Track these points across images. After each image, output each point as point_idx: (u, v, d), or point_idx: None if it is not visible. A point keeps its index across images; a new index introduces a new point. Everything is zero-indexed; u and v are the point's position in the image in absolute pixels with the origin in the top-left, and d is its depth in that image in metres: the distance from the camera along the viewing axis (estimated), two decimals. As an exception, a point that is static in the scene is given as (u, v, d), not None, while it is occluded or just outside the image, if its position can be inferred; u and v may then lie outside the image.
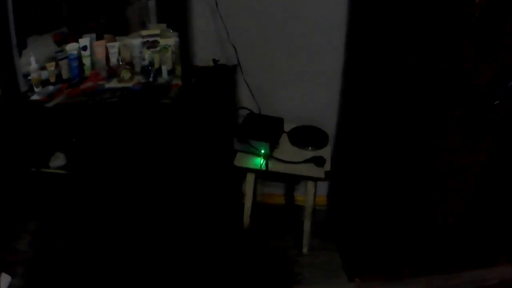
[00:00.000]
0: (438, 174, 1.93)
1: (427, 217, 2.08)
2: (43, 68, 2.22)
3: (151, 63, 2.17)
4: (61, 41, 2.30)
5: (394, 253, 2.17)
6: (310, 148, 2.21)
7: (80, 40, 2.24)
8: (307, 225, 2.28)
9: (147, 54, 2.17)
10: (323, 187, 2.61)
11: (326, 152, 2.20)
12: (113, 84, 2.19)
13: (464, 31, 1.60)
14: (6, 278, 2.19)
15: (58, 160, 2.24)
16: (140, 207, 2.23)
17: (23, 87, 2.21)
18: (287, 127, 2.33)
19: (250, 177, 2.18)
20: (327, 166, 2.13)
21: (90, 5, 2.34)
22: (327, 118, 2.38)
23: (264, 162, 2.10)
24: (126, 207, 2.24)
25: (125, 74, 2.18)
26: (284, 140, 2.27)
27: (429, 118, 1.79)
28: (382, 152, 1.94)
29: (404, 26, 1.67)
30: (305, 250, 2.36)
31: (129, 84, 2.17)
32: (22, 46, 2.23)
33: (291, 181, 2.63)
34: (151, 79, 2.16)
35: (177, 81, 2.15)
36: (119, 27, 2.31)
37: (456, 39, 1.62)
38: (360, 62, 2.10)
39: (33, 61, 2.16)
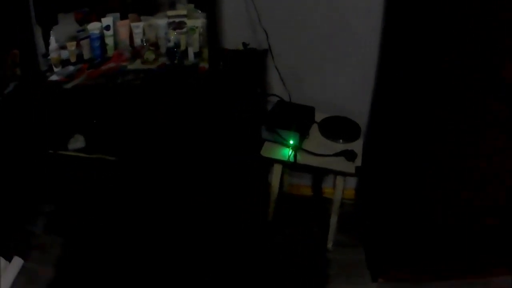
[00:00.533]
0: (477, 173, 1.81)
1: (461, 216, 1.95)
2: (63, 47, 2.14)
3: (177, 45, 2.07)
4: (83, 20, 2.21)
5: (422, 254, 2.06)
6: (341, 140, 2.10)
7: (103, 19, 2.15)
8: (333, 221, 2.17)
9: (173, 35, 2.07)
10: (352, 179, 2.49)
11: (357, 146, 2.08)
12: (136, 65, 2.11)
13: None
14: (18, 262, 2.14)
15: (77, 143, 2.18)
16: (162, 191, 2.14)
17: (43, 67, 2.14)
18: (318, 116, 2.21)
19: (277, 168, 2.08)
20: (358, 161, 2.01)
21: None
22: (360, 109, 2.26)
23: (293, 153, 1.99)
24: (147, 190, 2.16)
25: (149, 56, 2.09)
26: (315, 130, 2.16)
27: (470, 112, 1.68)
28: (415, 147, 1.82)
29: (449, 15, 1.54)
30: (329, 245, 2.26)
31: (153, 66, 2.08)
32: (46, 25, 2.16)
33: (320, 173, 2.51)
34: (176, 61, 2.06)
35: (204, 64, 2.05)
36: (145, 7, 2.21)
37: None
38: (397, 51, 1.97)
39: (52, 41, 2.10)
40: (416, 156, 1.82)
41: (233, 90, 2.00)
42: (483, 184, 1.84)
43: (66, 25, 2.20)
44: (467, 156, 1.78)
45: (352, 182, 2.50)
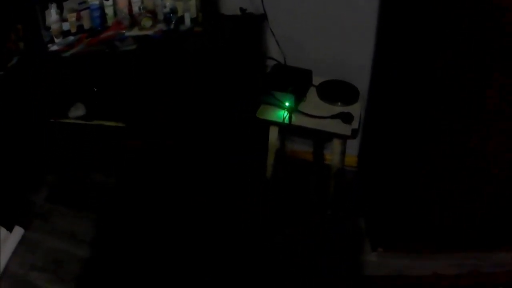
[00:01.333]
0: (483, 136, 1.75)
1: (467, 185, 1.90)
2: (65, 20, 2.18)
3: (173, 11, 2.08)
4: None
5: (423, 225, 2.00)
6: (339, 103, 2.07)
7: (103, -10, 2.18)
8: (332, 186, 2.13)
9: (168, 1, 2.08)
10: (354, 146, 2.45)
11: (355, 109, 2.06)
12: (134, 32, 2.13)
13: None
14: (18, 231, 2.17)
15: (77, 111, 2.20)
16: (160, 158, 2.16)
17: (46, 40, 2.18)
18: (317, 80, 2.19)
19: (273, 130, 2.06)
20: (355, 124, 1.98)
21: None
22: (359, 73, 2.21)
23: (288, 115, 1.97)
24: (148, 158, 2.18)
25: (146, 22, 2.11)
26: (312, 93, 2.14)
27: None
28: (417, 111, 1.77)
29: None
30: (328, 212, 2.21)
31: (150, 32, 2.10)
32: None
33: (319, 138, 2.48)
34: (172, 27, 2.08)
35: (199, 29, 2.06)
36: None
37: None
38: (396, 17, 1.93)
39: (53, 13, 2.13)
40: (417, 129, 1.77)
41: (228, 53, 2.01)
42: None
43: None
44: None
45: (354, 148, 2.46)
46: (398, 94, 1.80)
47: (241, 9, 2.16)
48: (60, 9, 2.18)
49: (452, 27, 1.47)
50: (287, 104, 2.00)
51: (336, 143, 2.02)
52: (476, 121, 1.65)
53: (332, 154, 2.07)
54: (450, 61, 1.53)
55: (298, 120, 1.99)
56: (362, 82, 2.21)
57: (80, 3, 2.23)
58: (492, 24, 1.44)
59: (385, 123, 2.01)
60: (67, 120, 2.19)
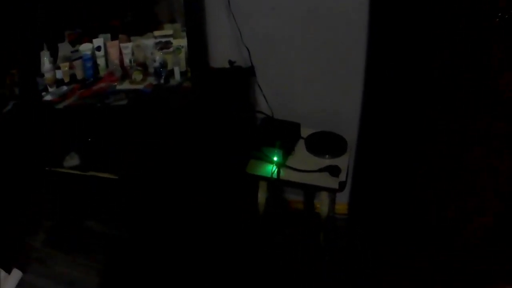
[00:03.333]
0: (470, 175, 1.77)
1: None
2: (58, 68, 2.21)
3: (162, 65, 2.11)
4: (75, 41, 2.28)
5: (420, 229, 2.01)
6: (327, 156, 2.09)
7: (94, 40, 2.21)
8: (322, 235, 2.17)
9: (159, 55, 2.11)
10: (344, 194, 2.47)
11: (343, 161, 2.07)
12: (126, 85, 2.16)
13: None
14: (17, 274, 2.22)
15: (72, 160, 2.23)
16: (152, 208, 2.20)
17: (40, 88, 2.22)
18: (305, 132, 2.21)
19: (263, 185, 2.09)
20: (343, 176, 2.01)
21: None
22: (348, 123, 2.24)
23: (276, 170, 2.00)
24: (139, 207, 2.22)
25: (137, 76, 2.14)
26: (301, 146, 2.16)
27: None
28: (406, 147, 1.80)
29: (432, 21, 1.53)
30: (326, 258, 2.25)
31: (141, 86, 2.12)
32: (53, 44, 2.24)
33: (307, 189, 2.52)
34: (162, 81, 2.10)
35: (189, 84, 2.08)
36: (135, 27, 2.25)
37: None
38: (387, 52, 1.94)
39: (46, 61, 2.17)
40: (407, 156, 1.80)
41: (216, 107, 2.03)
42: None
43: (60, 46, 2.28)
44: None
45: (344, 197, 2.48)
46: (395, 100, 1.81)
47: (230, 61, 2.17)
48: (54, 53, 2.22)
49: (449, 27, 1.49)
50: (275, 159, 2.02)
51: (324, 195, 2.04)
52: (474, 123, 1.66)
53: (321, 206, 2.09)
54: (446, 61, 1.54)
55: (286, 174, 2.02)
56: (350, 132, 2.24)
57: (72, 51, 2.27)
58: (488, 24, 1.45)
59: (382, 125, 2.03)
60: (62, 170, 2.23)
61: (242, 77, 2.17)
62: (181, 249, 2.23)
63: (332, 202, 2.14)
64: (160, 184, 2.14)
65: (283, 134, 2.10)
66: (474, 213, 1.88)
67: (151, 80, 2.14)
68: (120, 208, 2.23)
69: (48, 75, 2.19)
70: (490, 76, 1.55)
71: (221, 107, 2.06)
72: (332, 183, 1.99)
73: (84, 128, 2.19)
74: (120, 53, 2.21)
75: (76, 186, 2.25)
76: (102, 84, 2.18)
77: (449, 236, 2.00)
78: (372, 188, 2.17)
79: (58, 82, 2.22)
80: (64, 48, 2.29)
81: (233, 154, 2.11)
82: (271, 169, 2.02)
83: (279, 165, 2.01)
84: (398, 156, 1.83)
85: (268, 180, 2.04)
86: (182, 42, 2.11)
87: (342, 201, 2.49)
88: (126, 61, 2.20)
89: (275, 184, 2.06)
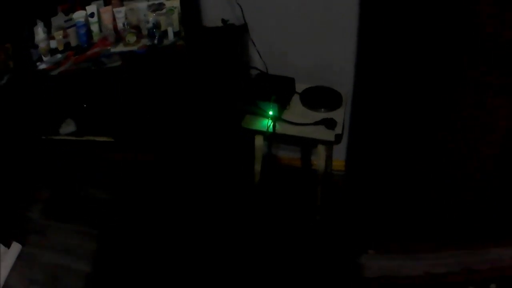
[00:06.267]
0: (463, 132, 1.77)
1: (451, 185, 1.91)
2: (52, 38, 2.22)
3: (155, 26, 2.12)
4: (69, 10, 2.29)
5: (413, 224, 2.03)
6: (322, 109, 2.09)
7: (87, 7, 2.22)
8: (319, 191, 2.16)
9: (151, 17, 2.12)
10: (341, 151, 2.47)
11: (339, 114, 2.07)
12: (119, 48, 2.16)
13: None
14: (16, 247, 2.22)
15: (68, 127, 2.25)
16: (147, 171, 2.20)
17: (35, 58, 2.22)
18: (300, 87, 2.21)
19: (258, 139, 2.09)
20: (339, 129, 2.00)
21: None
22: (342, 77, 2.24)
23: (272, 124, 2.00)
24: (135, 170, 2.22)
25: (130, 38, 2.15)
26: (296, 101, 2.16)
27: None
28: (400, 113, 1.81)
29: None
30: (318, 217, 2.24)
31: (135, 48, 2.13)
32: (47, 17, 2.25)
33: (305, 144, 2.51)
34: (156, 42, 2.11)
35: (182, 43, 2.09)
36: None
37: None
38: (377, 15, 1.95)
39: (40, 31, 2.18)
40: (402, 110, 1.81)
41: (209, 65, 2.03)
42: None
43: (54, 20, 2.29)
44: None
45: (341, 153, 2.48)
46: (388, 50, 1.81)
47: (223, 20, 2.18)
48: (48, 27, 2.22)
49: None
50: (270, 113, 2.02)
51: (321, 149, 2.04)
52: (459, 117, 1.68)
53: (318, 160, 2.09)
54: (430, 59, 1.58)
55: (282, 128, 2.02)
56: (345, 86, 2.23)
57: (66, 21, 2.27)
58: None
59: (377, 79, 2.02)
60: (58, 137, 2.23)
61: (235, 34, 2.17)
62: (176, 213, 2.23)
63: (329, 158, 2.13)
64: (156, 144, 2.14)
65: (278, 89, 2.10)
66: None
67: (145, 41, 2.15)
68: (115, 171, 2.23)
69: (42, 45, 2.19)
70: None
71: (215, 64, 2.06)
72: (328, 135, 1.99)
73: (79, 94, 2.20)
74: (114, 18, 2.22)
75: (73, 152, 2.25)
76: (96, 49, 2.19)
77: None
78: (368, 143, 2.16)
79: (52, 51, 2.23)
80: (58, 19, 2.29)
81: (228, 110, 2.10)
82: (266, 123, 2.02)
83: (275, 119, 2.01)
84: (393, 110, 1.83)
85: (264, 134, 2.04)
86: (175, 2, 2.12)
87: (340, 158, 2.48)
88: (120, 25, 2.21)
89: (271, 138, 2.06)
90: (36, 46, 2.21)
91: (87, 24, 2.23)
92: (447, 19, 1.56)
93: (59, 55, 2.20)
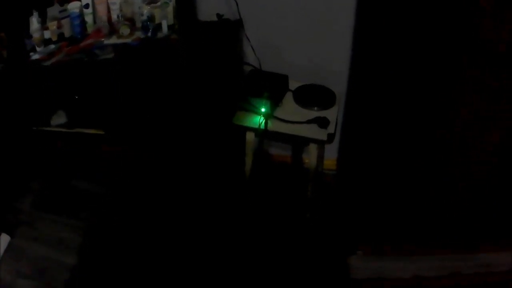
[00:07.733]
0: (458, 135, 1.77)
1: (445, 186, 1.90)
2: (46, 28, 2.20)
3: (149, 18, 2.10)
4: (64, 1, 2.27)
5: (404, 226, 2.02)
6: (315, 108, 2.09)
7: (82, -3, 2.20)
8: (311, 190, 2.15)
9: (146, 9, 2.10)
10: (333, 150, 2.47)
11: (332, 113, 2.07)
12: (113, 40, 2.14)
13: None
14: (5, 238, 2.20)
15: (59, 118, 2.23)
16: (138, 165, 2.18)
17: (28, 48, 2.20)
18: (293, 85, 2.20)
19: (250, 136, 2.08)
20: (332, 128, 1.99)
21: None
22: (336, 76, 2.23)
23: (263, 121, 1.99)
24: (126, 163, 2.21)
25: (124, 30, 2.13)
26: (289, 98, 2.15)
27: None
28: (397, 110, 1.80)
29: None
30: (307, 215, 2.23)
31: (128, 40, 2.11)
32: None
33: (297, 142, 2.50)
34: (149, 34, 2.09)
35: (176, 36, 2.07)
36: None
37: None
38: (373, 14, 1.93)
39: (35, 21, 2.15)
40: (396, 111, 1.81)
41: (202, 59, 2.02)
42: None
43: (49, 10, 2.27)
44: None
45: (333, 152, 2.47)
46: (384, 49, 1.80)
47: (218, 15, 2.17)
48: (43, 17, 2.21)
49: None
50: (263, 110, 2.01)
51: (313, 148, 2.04)
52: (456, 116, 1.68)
53: (309, 158, 2.08)
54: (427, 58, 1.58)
55: (274, 125, 2.01)
56: (339, 85, 2.22)
57: (60, 11, 2.25)
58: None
59: (371, 78, 1.99)
60: (49, 128, 2.22)
61: (230, 29, 2.16)
62: (167, 207, 2.22)
63: (321, 157, 2.13)
64: (147, 138, 2.13)
65: (271, 86, 2.09)
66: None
67: (139, 34, 2.13)
68: (106, 164, 2.21)
69: (36, 35, 2.17)
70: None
71: (208, 59, 2.05)
72: (321, 134, 1.98)
73: (71, 85, 2.18)
74: (108, 10, 2.20)
75: (63, 144, 2.23)
76: (89, 40, 2.17)
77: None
78: (361, 142, 2.15)
79: (46, 42, 2.21)
80: (53, 10, 2.28)
81: (220, 105, 2.09)
82: (258, 120, 2.01)
83: (267, 116, 2.00)
84: (390, 108, 1.82)
85: (256, 131, 2.03)
86: (170, -5, 2.10)
87: (331, 157, 2.48)
88: (114, 17, 2.19)
89: (263, 136, 2.05)
90: (30, 36, 2.20)
91: (81, 15, 2.21)
92: (447, 19, 1.56)
93: (52, 46, 2.18)
